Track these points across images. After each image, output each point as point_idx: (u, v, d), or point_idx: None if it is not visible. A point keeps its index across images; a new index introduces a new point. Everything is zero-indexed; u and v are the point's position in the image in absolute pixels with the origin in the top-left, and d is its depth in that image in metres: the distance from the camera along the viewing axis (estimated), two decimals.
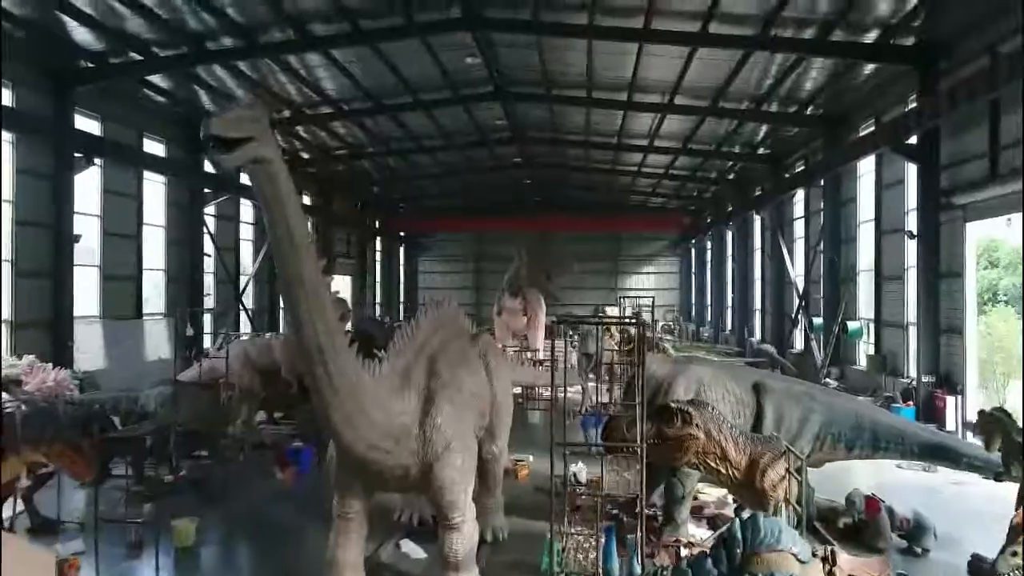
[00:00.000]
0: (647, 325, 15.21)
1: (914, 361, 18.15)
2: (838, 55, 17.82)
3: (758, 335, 33.77)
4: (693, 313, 50.22)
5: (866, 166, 21.40)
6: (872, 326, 20.82)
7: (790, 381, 10.71)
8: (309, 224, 32.36)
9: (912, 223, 17.76)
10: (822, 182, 23.29)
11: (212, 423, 13.67)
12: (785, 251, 28.09)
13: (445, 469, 7.27)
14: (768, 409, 9.39)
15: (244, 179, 29.42)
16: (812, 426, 9.36)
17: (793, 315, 27.35)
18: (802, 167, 26.97)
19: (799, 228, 28.06)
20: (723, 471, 8.14)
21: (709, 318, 45.45)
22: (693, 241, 49.32)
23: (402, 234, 51.74)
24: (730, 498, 10.87)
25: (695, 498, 10.25)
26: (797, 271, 27.48)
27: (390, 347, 7.69)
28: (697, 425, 8.18)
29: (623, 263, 53.15)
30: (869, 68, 19.06)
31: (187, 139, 24.21)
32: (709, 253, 46.06)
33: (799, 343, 27.55)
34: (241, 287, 28.61)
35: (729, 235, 40.15)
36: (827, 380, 21.32)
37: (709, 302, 45.86)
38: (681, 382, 9.63)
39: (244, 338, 17.90)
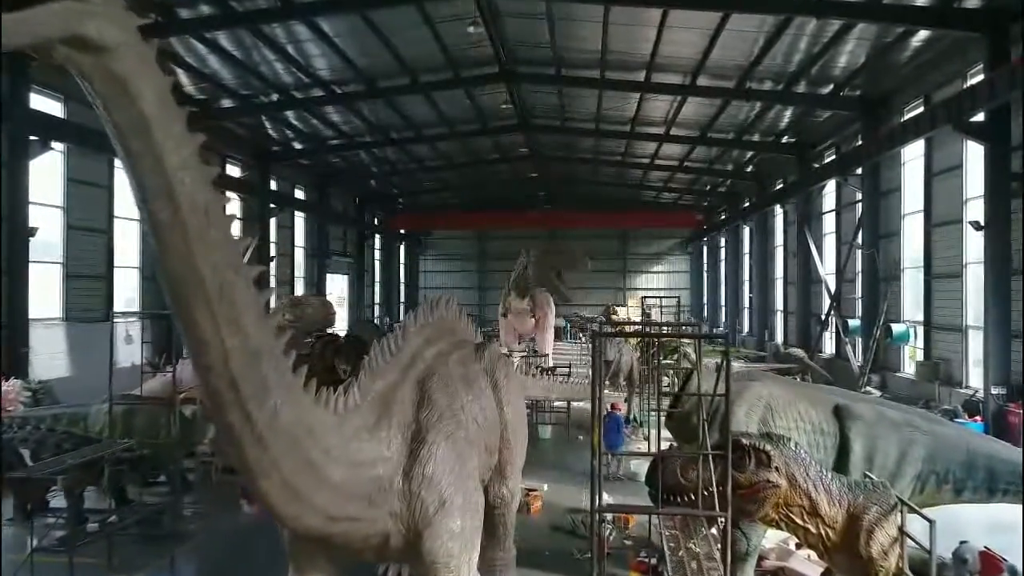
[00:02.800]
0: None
1: (975, 369, 16.10)
2: (893, 20, 15.72)
3: (780, 337, 31.68)
4: (706, 313, 48.10)
5: (912, 152, 19.29)
6: (920, 329, 18.71)
7: (881, 404, 8.62)
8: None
9: (974, 212, 15.66)
10: (859, 171, 21.18)
11: (170, 445, 11.72)
12: (813, 247, 25.99)
13: (440, 538, 5.22)
14: (856, 441, 7.34)
15: (231, 170, 27.59)
16: (913, 463, 7.29)
17: (823, 316, 25.24)
18: (833, 156, 24.85)
19: (829, 222, 25.95)
20: (813, 529, 6.10)
21: (724, 319, 43.33)
22: (705, 238, 47.23)
23: (402, 231, 49.71)
24: (793, 542, 8.86)
25: None
26: (827, 269, 25.40)
27: (364, 366, 5.62)
28: (777, 468, 6.14)
29: (632, 261, 51.07)
30: (919, 40, 17.00)
31: None
32: (723, 251, 43.98)
33: (829, 347, 25.47)
34: None
35: (747, 231, 38.07)
36: (868, 388, 19.27)
37: (724, 302, 43.77)
38: (742, 406, 7.57)
39: None
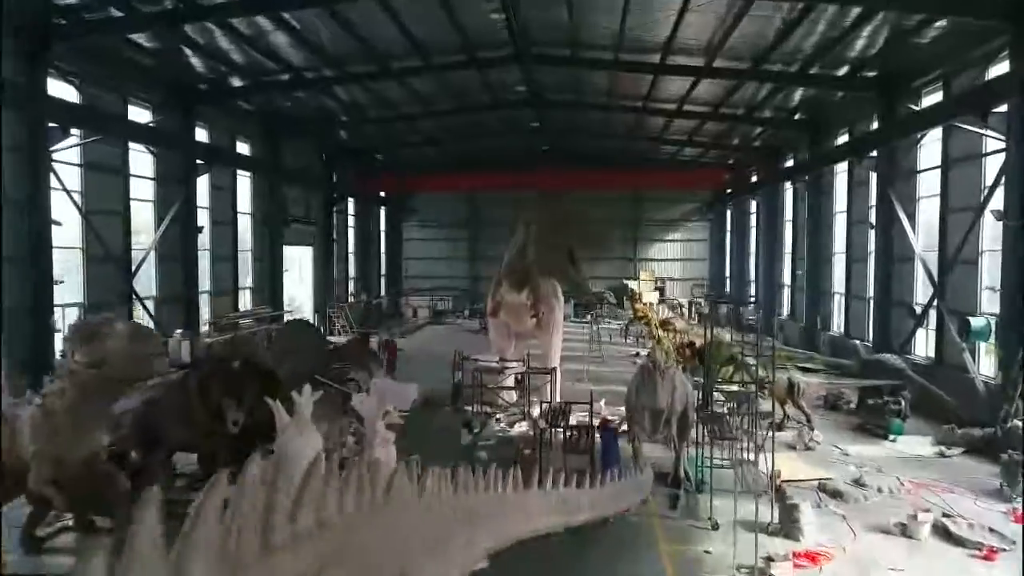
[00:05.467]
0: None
1: None
2: None
3: (838, 326, 25.63)
4: (729, 289, 41.99)
5: None
6: None
7: None
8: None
9: None
10: (1004, 108, 14.80)
11: None
12: (903, 215, 19.72)
13: None
14: None
15: (135, 115, 21.02)
16: None
17: (916, 307, 19.13)
18: (938, 92, 18.48)
19: (929, 183, 19.58)
20: None
21: (753, 297, 37.19)
22: (731, 202, 40.87)
23: (382, 194, 43.17)
24: None
25: None
26: (925, 245, 19.20)
27: None
28: None
29: (644, 228, 44.72)
30: None
31: (22, 51, 15.71)
32: (755, 216, 37.63)
33: (923, 348, 19.39)
34: (133, 267, 20.31)
35: (788, 193, 31.74)
36: (1016, 421, 13.32)
37: (753, 277, 37.58)
38: None
39: None
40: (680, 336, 19.69)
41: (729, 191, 40.08)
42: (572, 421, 12.91)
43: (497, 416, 16.37)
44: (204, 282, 24.51)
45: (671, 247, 44.99)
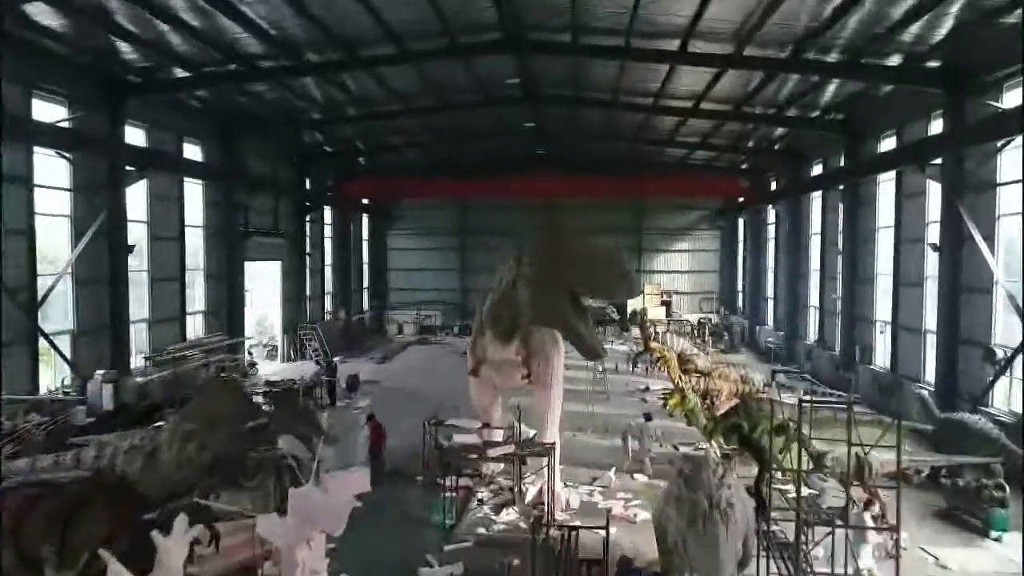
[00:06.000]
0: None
1: None
2: None
3: (882, 360, 22.05)
4: (742, 305, 38.43)
5: None
6: None
7: None
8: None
9: None
10: None
11: None
12: (977, 236, 16.13)
13: None
14: None
15: (44, 112, 17.33)
16: None
17: (1004, 352, 15.54)
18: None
19: (1012, 198, 15.97)
20: None
21: (771, 317, 33.65)
22: (743, 211, 37.23)
23: (364, 201, 39.50)
24: None
25: None
26: (1008, 274, 15.64)
27: None
28: None
29: (648, 238, 41.15)
30: None
31: None
32: (772, 227, 34.07)
33: (1003, 400, 15.80)
34: (40, 294, 16.59)
35: (816, 203, 28.21)
36: None
37: (771, 293, 33.98)
38: None
39: None
40: (704, 380, 16.01)
41: (742, 199, 36.52)
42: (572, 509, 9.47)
43: (480, 496, 12.81)
44: (143, 309, 20.92)
45: (678, 258, 41.55)
